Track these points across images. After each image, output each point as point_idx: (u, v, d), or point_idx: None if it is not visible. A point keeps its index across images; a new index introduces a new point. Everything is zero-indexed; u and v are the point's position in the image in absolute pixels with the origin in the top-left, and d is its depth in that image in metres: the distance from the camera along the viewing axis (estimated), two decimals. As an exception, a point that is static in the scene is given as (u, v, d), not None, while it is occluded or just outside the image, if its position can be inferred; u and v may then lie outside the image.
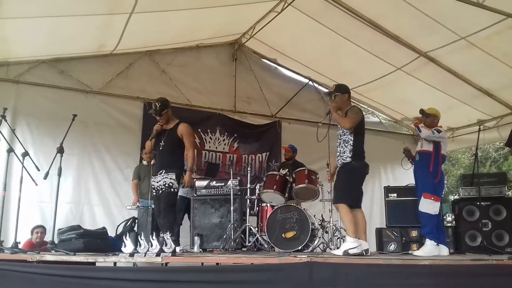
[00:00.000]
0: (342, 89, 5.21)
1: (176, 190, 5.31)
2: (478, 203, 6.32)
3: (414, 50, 7.30)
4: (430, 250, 4.93)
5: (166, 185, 5.25)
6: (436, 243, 4.99)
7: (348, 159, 4.92)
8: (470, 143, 9.04)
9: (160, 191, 5.32)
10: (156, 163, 5.57)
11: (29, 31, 6.27)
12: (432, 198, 5.07)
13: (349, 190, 4.91)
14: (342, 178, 5.04)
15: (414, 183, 6.34)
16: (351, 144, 4.93)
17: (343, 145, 4.99)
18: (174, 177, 5.27)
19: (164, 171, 5.32)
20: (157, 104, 5.41)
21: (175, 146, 5.37)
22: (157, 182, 5.36)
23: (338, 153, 5.07)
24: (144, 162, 7.26)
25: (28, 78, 7.17)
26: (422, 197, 5.12)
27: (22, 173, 5.25)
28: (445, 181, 5.39)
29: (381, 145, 9.83)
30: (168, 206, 5.30)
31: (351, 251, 4.56)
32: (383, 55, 7.67)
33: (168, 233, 4.83)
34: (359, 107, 5.20)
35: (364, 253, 4.79)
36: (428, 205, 5.08)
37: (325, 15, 7.11)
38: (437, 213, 5.11)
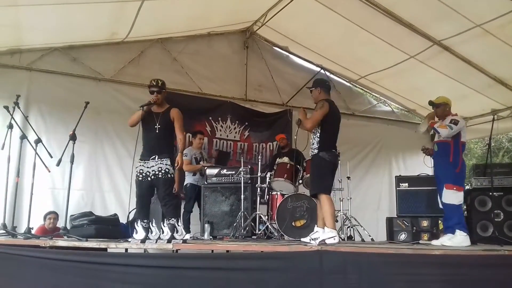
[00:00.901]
0: (314, 84, 5.33)
1: (172, 175, 5.13)
2: (490, 194, 6.26)
3: (429, 38, 7.18)
4: (460, 241, 4.78)
5: (163, 171, 5.05)
6: (466, 233, 4.84)
7: (316, 151, 4.98)
8: (484, 133, 8.88)
9: (156, 178, 5.07)
10: (147, 146, 5.24)
11: (42, 18, 6.27)
12: (455, 188, 4.94)
13: (321, 180, 4.93)
14: (312, 170, 5.14)
15: (425, 172, 6.30)
16: (318, 136, 4.99)
17: (313, 137, 5.07)
18: (169, 162, 5.10)
19: (157, 156, 5.11)
20: (159, 80, 5.33)
21: (168, 131, 5.21)
22: (149, 167, 5.10)
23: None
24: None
25: (40, 65, 7.19)
26: (444, 188, 4.99)
27: (35, 160, 5.33)
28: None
29: (393, 134, 9.77)
30: (169, 193, 5.12)
31: (328, 241, 4.52)
32: (397, 43, 7.56)
33: (175, 219, 4.87)
34: (326, 99, 5.09)
35: None
36: (451, 196, 4.95)
37: (338, 2, 7.02)
38: (461, 203, 5.00)
